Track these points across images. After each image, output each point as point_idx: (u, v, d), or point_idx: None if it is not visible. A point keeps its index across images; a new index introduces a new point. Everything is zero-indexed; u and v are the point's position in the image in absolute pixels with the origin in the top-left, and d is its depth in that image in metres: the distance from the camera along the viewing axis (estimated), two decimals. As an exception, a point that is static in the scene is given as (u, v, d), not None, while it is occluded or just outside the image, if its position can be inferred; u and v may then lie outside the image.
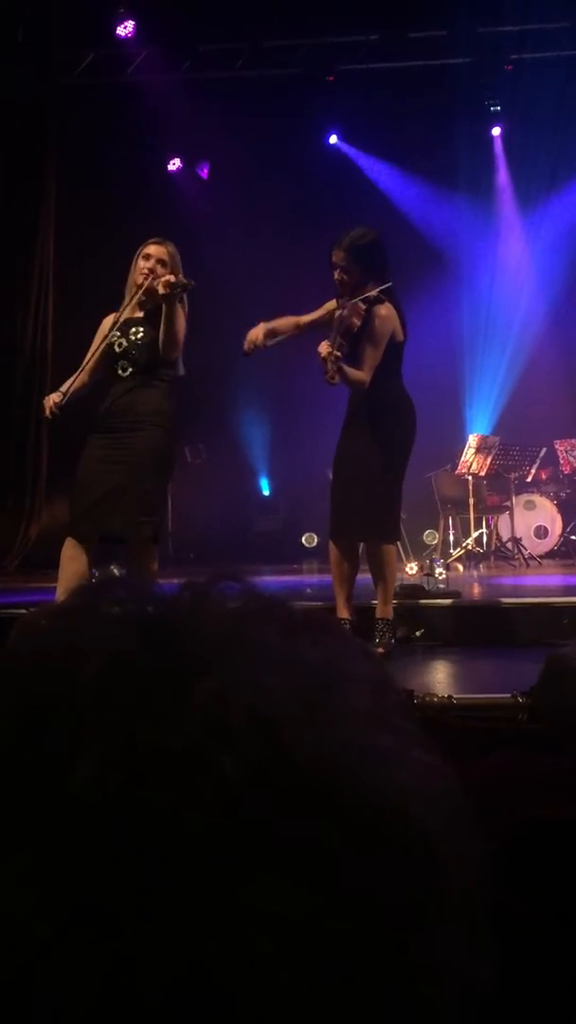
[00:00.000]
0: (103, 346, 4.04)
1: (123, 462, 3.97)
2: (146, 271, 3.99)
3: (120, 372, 4.03)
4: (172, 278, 3.90)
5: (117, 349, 4.02)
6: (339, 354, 3.98)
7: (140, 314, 4.07)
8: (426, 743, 0.36)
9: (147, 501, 4.02)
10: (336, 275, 4.14)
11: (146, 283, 3.94)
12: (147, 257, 4.01)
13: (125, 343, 4.02)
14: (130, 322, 4.05)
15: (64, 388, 4.06)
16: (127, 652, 0.34)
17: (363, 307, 4.11)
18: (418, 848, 0.32)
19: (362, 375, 4.10)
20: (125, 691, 0.32)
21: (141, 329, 4.03)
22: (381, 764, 0.33)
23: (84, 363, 4.10)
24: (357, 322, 4.11)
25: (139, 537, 4.00)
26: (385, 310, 4.14)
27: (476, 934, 0.33)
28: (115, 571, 4.92)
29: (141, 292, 3.95)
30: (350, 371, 4.05)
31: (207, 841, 0.30)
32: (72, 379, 4.09)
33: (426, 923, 0.31)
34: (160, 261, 4.01)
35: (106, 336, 4.06)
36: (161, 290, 3.87)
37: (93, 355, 4.07)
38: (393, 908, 0.31)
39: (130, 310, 4.06)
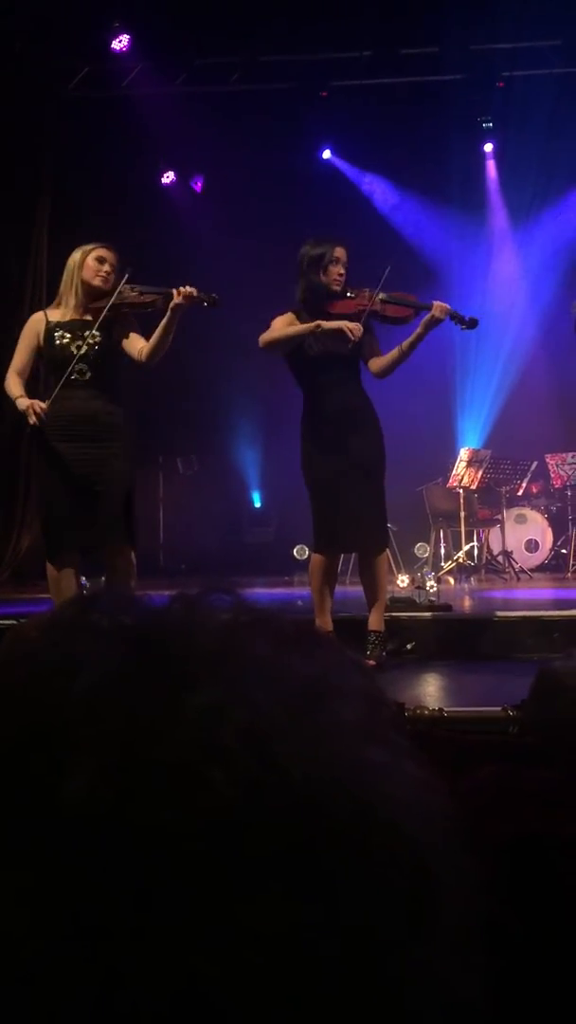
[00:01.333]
0: (56, 348, 3.90)
1: (93, 473, 3.87)
2: (104, 274, 3.96)
3: (77, 376, 3.90)
4: (193, 291, 3.86)
5: (75, 351, 3.88)
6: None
7: (88, 317, 3.96)
8: (418, 757, 0.36)
9: (128, 515, 3.98)
10: (339, 270, 4.26)
11: (178, 297, 3.83)
12: (101, 260, 3.96)
13: (84, 347, 3.89)
14: (79, 324, 3.94)
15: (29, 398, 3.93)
16: (118, 666, 0.34)
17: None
18: (411, 863, 0.32)
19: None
20: (116, 705, 0.32)
21: (97, 334, 3.91)
22: (373, 778, 0.33)
23: (23, 365, 3.97)
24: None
25: (120, 548, 3.95)
26: None
27: (467, 950, 0.33)
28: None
29: (181, 301, 3.84)
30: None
31: (200, 857, 0.30)
32: (12, 382, 3.97)
33: (418, 938, 0.31)
34: (112, 265, 3.98)
35: (43, 336, 3.93)
36: (181, 301, 3.81)
37: (25, 354, 3.96)
38: (386, 923, 0.31)
39: (76, 312, 3.95)
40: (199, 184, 9.67)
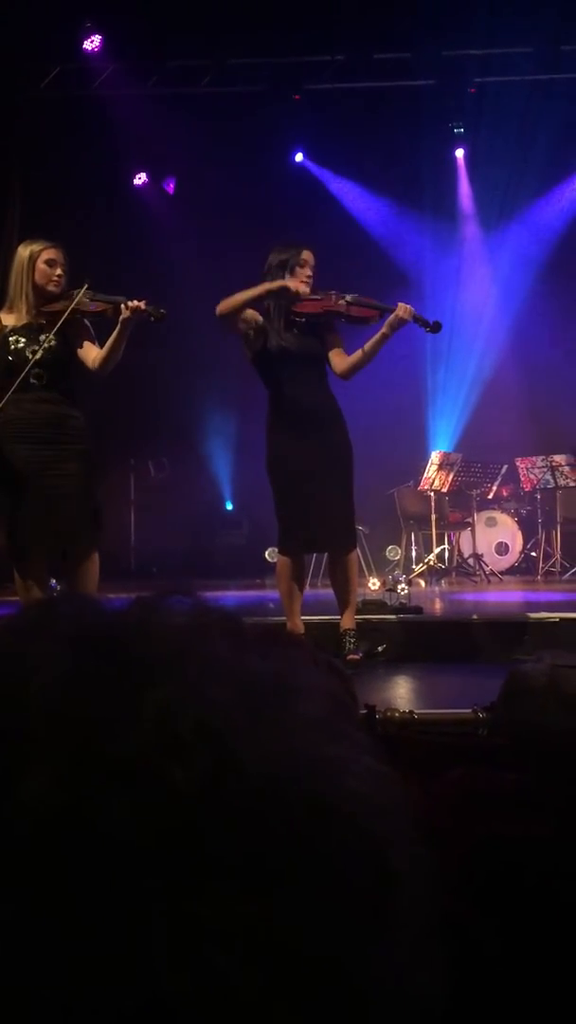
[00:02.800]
0: (11, 352, 3.86)
1: (54, 477, 3.84)
2: (56, 279, 3.93)
3: (33, 380, 3.86)
4: (141, 305, 3.83)
5: (30, 355, 3.84)
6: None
7: (42, 321, 3.92)
8: (376, 751, 0.36)
9: (93, 518, 3.95)
10: (308, 272, 4.28)
11: (126, 311, 3.81)
12: (52, 263, 3.92)
13: (40, 351, 3.85)
14: (33, 328, 3.91)
15: None
16: (75, 668, 0.34)
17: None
18: (369, 856, 0.32)
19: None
20: (73, 706, 0.32)
21: (52, 338, 3.88)
22: (331, 773, 0.33)
23: None
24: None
25: (83, 551, 3.92)
26: None
27: (426, 942, 0.33)
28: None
29: (128, 315, 3.81)
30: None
31: (159, 853, 0.30)
32: None
33: (378, 930, 0.32)
34: (63, 266, 3.94)
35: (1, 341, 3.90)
36: (128, 315, 3.79)
37: None
38: (345, 915, 0.31)
39: (28, 315, 3.91)
40: (171, 186, 9.66)
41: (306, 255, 4.29)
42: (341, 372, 4.28)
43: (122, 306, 3.84)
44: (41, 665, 0.34)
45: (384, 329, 4.16)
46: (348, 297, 4.27)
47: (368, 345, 4.21)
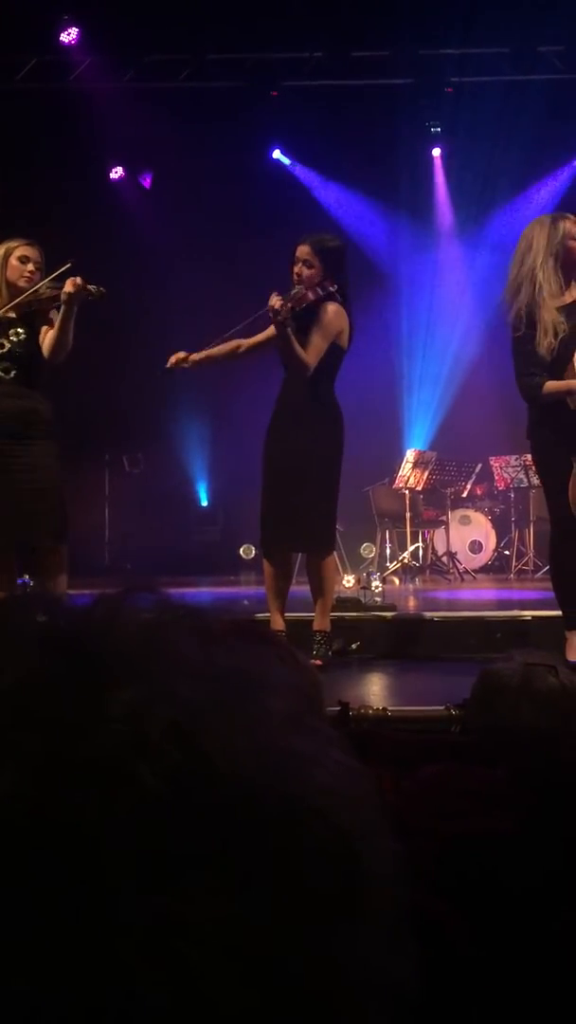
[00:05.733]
0: None
1: (22, 471, 3.82)
2: (27, 274, 3.92)
3: (2, 374, 3.87)
4: (78, 279, 3.79)
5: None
6: (290, 306, 4.01)
7: (12, 315, 3.92)
8: (345, 745, 0.37)
9: (61, 513, 3.93)
10: (296, 268, 4.19)
11: (69, 285, 3.75)
12: (24, 260, 3.92)
13: (8, 344, 3.87)
14: (3, 323, 3.91)
15: None
16: (39, 668, 0.34)
17: (320, 292, 4.14)
18: (337, 848, 0.32)
19: (306, 356, 4.11)
20: (38, 707, 0.32)
21: (21, 330, 3.89)
22: (299, 767, 0.33)
23: None
24: (311, 296, 4.14)
25: (51, 547, 3.91)
26: (337, 308, 4.21)
27: (396, 932, 0.34)
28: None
29: (70, 289, 3.75)
30: (297, 345, 4.07)
31: (128, 852, 0.30)
32: None
33: (346, 921, 0.32)
34: (37, 264, 3.94)
35: None
36: (70, 289, 3.75)
37: None
38: (316, 909, 0.31)
39: (1, 311, 3.91)
40: (148, 180, 9.61)
41: (299, 250, 4.26)
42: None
43: (66, 283, 3.80)
44: (6, 665, 0.34)
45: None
46: (293, 291, 4.19)
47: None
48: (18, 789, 0.30)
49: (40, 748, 0.31)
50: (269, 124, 8.95)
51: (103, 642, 0.35)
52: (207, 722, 0.33)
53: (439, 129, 9.00)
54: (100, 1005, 0.28)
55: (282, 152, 9.53)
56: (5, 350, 3.85)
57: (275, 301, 3.99)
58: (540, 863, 0.79)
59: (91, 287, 3.81)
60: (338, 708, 2.24)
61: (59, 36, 8.10)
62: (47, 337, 3.90)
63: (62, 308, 3.82)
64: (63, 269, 3.90)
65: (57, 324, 3.84)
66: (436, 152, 9.42)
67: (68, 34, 8.11)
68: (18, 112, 8.30)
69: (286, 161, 9.60)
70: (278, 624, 4.25)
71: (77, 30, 8.10)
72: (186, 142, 8.56)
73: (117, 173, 9.37)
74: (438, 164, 9.56)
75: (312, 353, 4.13)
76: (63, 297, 3.79)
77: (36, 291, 3.87)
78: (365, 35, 8.13)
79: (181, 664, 0.35)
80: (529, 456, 8.47)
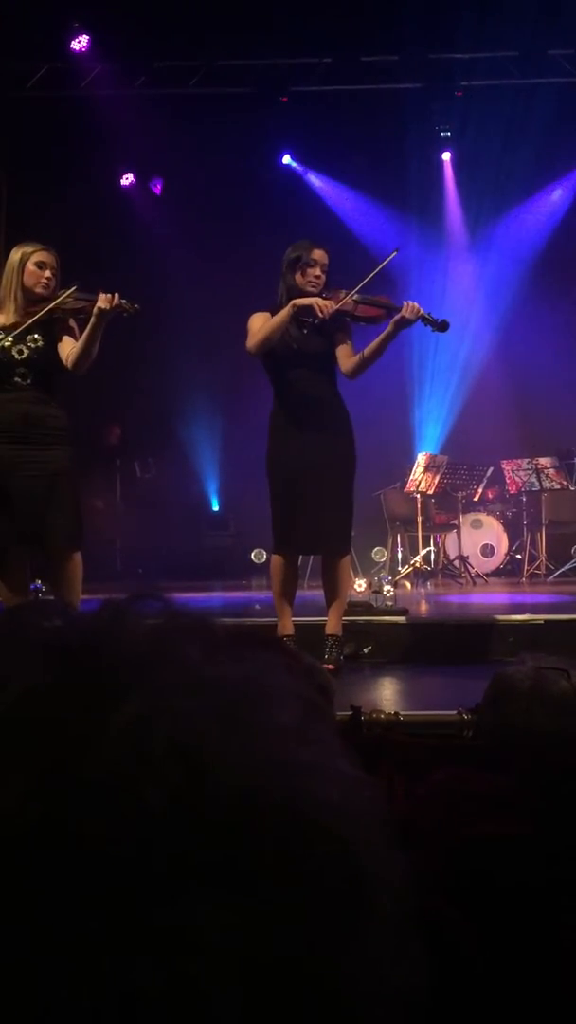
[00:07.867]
0: None
1: (37, 477, 3.83)
2: (45, 281, 3.92)
3: (19, 380, 3.87)
4: (115, 297, 3.80)
5: (17, 356, 3.85)
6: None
7: (29, 321, 3.90)
8: (350, 755, 0.36)
9: (76, 519, 3.94)
10: (317, 272, 4.24)
11: (102, 301, 3.77)
12: (42, 265, 3.92)
13: (26, 350, 3.87)
14: (22, 329, 3.90)
15: None
16: (44, 679, 0.34)
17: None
18: (342, 861, 0.32)
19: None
20: (42, 720, 0.32)
21: (39, 337, 3.89)
22: (304, 780, 0.33)
23: None
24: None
25: (66, 553, 3.91)
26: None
27: (404, 941, 0.34)
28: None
29: (104, 305, 3.76)
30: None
31: (131, 868, 0.30)
32: None
33: (351, 932, 0.32)
34: (53, 269, 3.94)
35: None
36: (104, 305, 3.75)
37: None
38: (321, 921, 0.31)
39: (17, 315, 3.90)
40: (158, 186, 9.65)
41: (317, 254, 4.25)
42: (347, 371, 4.26)
43: (99, 297, 3.81)
44: (11, 676, 0.34)
45: (389, 328, 4.13)
46: (356, 296, 4.24)
47: (371, 346, 4.18)
48: (21, 805, 0.30)
49: (42, 763, 0.31)
50: (279, 129, 8.97)
51: (108, 652, 0.35)
52: (211, 735, 0.32)
53: (449, 133, 9.00)
54: (103, 1014, 0.28)
55: (292, 157, 9.54)
56: (23, 356, 3.85)
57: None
58: (551, 868, 0.79)
59: (124, 303, 3.82)
60: (350, 713, 2.24)
61: (69, 43, 8.14)
62: (72, 347, 3.89)
63: (92, 320, 3.81)
64: (91, 296, 3.91)
65: (85, 335, 3.83)
66: (446, 156, 9.42)
67: (78, 41, 8.15)
68: (29, 119, 8.35)
69: (296, 166, 9.61)
70: (288, 628, 4.25)
71: (87, 37, 8.13)
72: (196, 148, 8.58)
73: (128, 179, 9.41)
74: (448, 168, 9.55)
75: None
76: (95, 311, 3.79)
77: (62, 302, 3.87)
78: (374, 40, 8.14)
79: (185, 674, 0.35)
80: (541, 460, 8.48)
